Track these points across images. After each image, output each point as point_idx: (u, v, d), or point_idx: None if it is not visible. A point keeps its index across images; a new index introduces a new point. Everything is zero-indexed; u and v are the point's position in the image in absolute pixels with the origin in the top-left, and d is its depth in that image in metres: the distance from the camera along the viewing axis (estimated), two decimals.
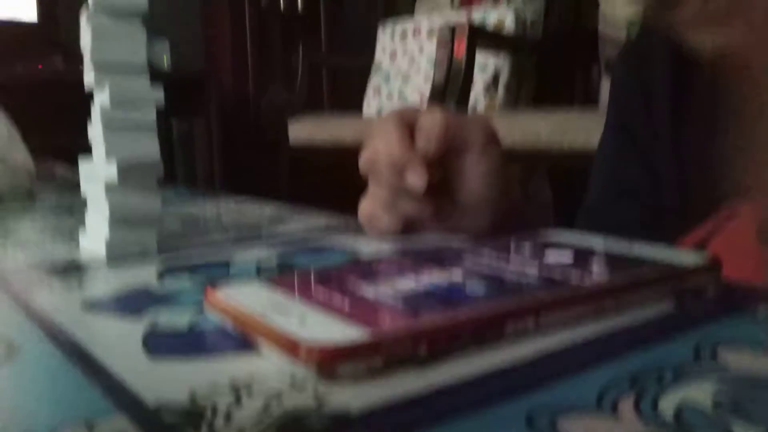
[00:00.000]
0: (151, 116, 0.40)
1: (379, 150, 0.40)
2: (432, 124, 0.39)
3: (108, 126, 0.39)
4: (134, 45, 0.40)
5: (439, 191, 0.41)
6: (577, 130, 1.33)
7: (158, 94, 0.41)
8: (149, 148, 0.40)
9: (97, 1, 0.39)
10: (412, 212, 0.41)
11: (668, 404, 0.17)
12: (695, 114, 0.47)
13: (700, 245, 0.40)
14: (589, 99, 1.97)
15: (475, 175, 0.41)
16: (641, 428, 0.16)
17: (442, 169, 0.41)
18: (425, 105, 1.73)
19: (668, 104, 0.49)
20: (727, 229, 0.40)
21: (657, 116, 0.50)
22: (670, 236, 0.43)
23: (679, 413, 0.17)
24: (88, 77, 0.40)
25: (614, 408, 0.17)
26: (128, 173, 0.40)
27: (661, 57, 0.50)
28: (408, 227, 0.42)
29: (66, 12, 2.49)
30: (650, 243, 0.31)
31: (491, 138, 0.41)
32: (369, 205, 0.42)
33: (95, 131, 0.40)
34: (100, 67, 0.39)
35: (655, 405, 0.17)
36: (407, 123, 0.40)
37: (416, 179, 0.38)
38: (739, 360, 0.20)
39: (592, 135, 1.29)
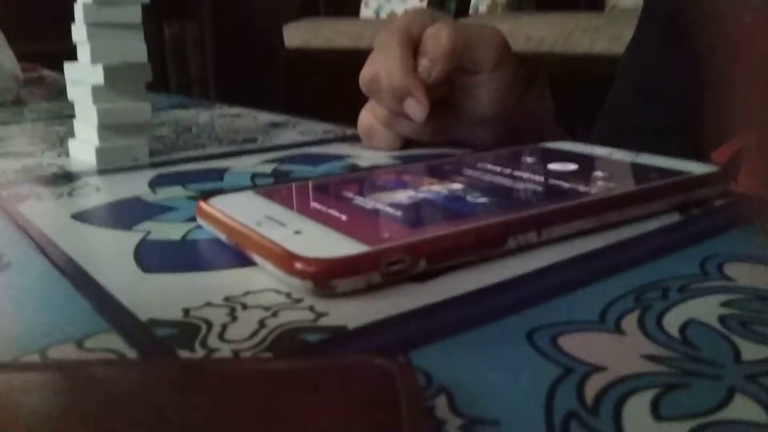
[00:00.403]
0: (137, 15, 0.38)
1: (380, 71, 0.37)
2: (437, 44, 0.36)
3: (92, 25, 0.37)
4: None
5: (444, 105, 0.39)
6: (582, 34, 1.29)
7: None
8: (135, 48, 0.39)
9: None
10: (412, 132, 0.39)
11: (673, 321, 0.17)
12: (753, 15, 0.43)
13: (736, 157, 0.38)
14: (594, 2, 1.90)
15: (483, 95, 0.39)
16: (645, 345, 0.16)
17: (448, 85, 0.39)
18: (425, 3, 1.67)
19: None
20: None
21: (708, 8, 0.45)
22: (702, 147, 0.40)
23: (684, 330, 0.16)
24: None
25: (618, 325, 0.17)
26: (115, 75, 0.38)
27: None
28: (408, 141, 0.40)
29: None
30: (661, 153, 0.30)
31: (502, 57, 0.38)
32: (368, 119, 0.40)
33: (79, 32, 0.38)
34: None
35: (659, 321, 0.17)
36: (412, 38, 0.37)
37: (416, 109, 0.36)
38: (747, 275, 0.20)
39: (597, 39, 1.25)
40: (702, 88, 0.44)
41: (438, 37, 0.36)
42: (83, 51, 0.38)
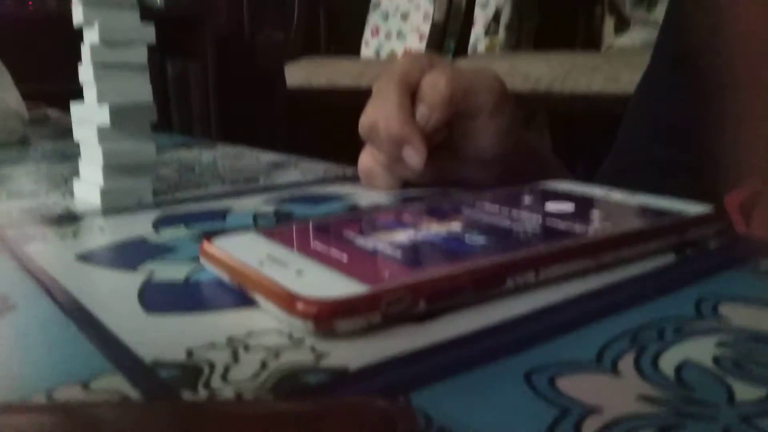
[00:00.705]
0: (143, 56, 0.39)
1: (378, 119, 0.38)
2: (434, 92, 0.37)
3: (98, 66, 0.38)
4: None
5: (444, 147, 0.40)
6: (579, 73, 1.31)
7: (149, 32, 0.39)
8: (141, 89, 0.40)
9: None
10: (412, 175, 0.40)
11: (669, 362, 0.17)
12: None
13: (748, 204, 0.38)
14: (591, 42, 1.93)
15: (482, 139, 0.39)
16: (641, 386, 0.16)
17: (447, 129, 0.39)
18: (425, 43, 1.70)
19: (747, 37, 0.43)
20: None
21: (724, 48, 0.44)
22: (714, 188, 0.39)
23: (679, 371, 0.17)
24: (77, 14, 0.39)
25: (614, 365, 0.17)
26: (121, 115, 0.39)
27: None
28: (409, 181, 0.41)
29: None
30: (671, 192, 0.30)
31: (500, 101, 0.39)
32: (368, 161, 0.41)
33: (86, 72, 0.39)
34: (89, 4, 0.38)
35: (655, 362, 0.17)
36: (410, 85, 0.38)
37: (414, 158, 0.37)
38: (741, 315, 0.20)
39: (594, 78, 1.27)
40: (714, 128, 0.44)
41: (436, 85, 0.37)
42: (90, 91, 0.39)
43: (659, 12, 1.73)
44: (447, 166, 0.40)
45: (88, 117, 0.40)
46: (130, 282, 0.24)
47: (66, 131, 0.83)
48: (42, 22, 2.34)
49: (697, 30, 0.47)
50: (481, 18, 1.91)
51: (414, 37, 2.15)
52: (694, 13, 0.48)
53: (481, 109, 0.38)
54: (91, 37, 0.39)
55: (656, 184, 0.32)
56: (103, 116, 0.38)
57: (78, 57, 0.39)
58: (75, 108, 0.41)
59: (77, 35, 0.40)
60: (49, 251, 0.29)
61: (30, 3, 2.41)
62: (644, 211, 0.29)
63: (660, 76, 0.52)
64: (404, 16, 2.20)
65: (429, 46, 1.66)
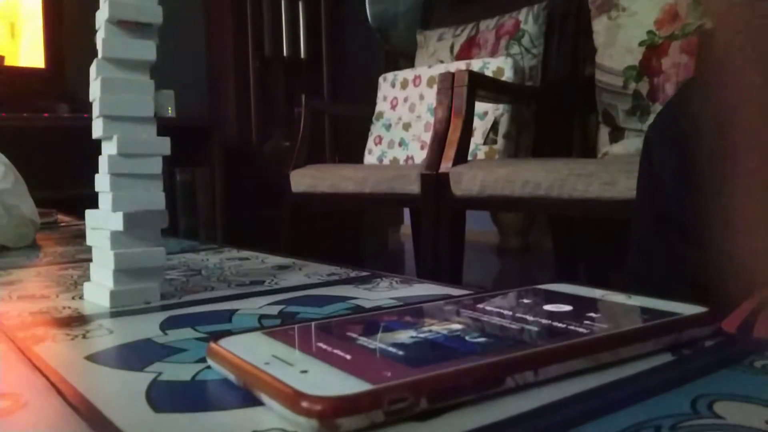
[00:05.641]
0: (157, 167, 0.41)
1: None
2: None
3: (115, 176, 0.40)
4: (142, 96, 0.41)
5: None
6: (577, 179, 1.34)
7: (165, 145, 0.42)
8: (155, 197, 0.41)
9: (107, 53, 0.40)
10: None
11: None
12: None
13: (752, 315, 0.38)
14: (587, 149, 1.99)
15: None
16: None
17: None
18: (425, 153, 1.75)
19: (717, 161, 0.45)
20: None
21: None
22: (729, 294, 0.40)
23: None
24: (97, 128, 0.41)
25: None
26: (134, 222, 0.40)
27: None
28: None
29: (71, 59, 2.54)
30: (650, 294, 0.31)
31: None
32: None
33: (102, 181, 0.41)
34: (109, 119, 0.40)
35: None
36: None
37: None
38: (737, 413, 0.20)
39: (591, 184, 1.31)
40: (723, 234, 0.44)
41: None
42: (105, 199, 0.41)
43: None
44: None
45: (102, 223, 0.41)
46: (138, 381, 0.25)
47: (75, 236, 0.85)
48: (56, 131, 2.43)
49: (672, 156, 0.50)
50: (480, 128, 1.98)
51: (416, 146, 2.21)
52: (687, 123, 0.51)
53: None
54: (109, 150, 0.41)
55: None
56: (117, 223, 0.40)
57: (88, 162, 0.41)
58: (89, 215, 0.43)
59: (88, 145, 0.42)
60: (59, 351, 0.30)
61: (45, 114, 2.51)
62: (641, 312, 0.30)
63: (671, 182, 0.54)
64: (406, 126, 2.28)
65: (430, 154, 1.72)
